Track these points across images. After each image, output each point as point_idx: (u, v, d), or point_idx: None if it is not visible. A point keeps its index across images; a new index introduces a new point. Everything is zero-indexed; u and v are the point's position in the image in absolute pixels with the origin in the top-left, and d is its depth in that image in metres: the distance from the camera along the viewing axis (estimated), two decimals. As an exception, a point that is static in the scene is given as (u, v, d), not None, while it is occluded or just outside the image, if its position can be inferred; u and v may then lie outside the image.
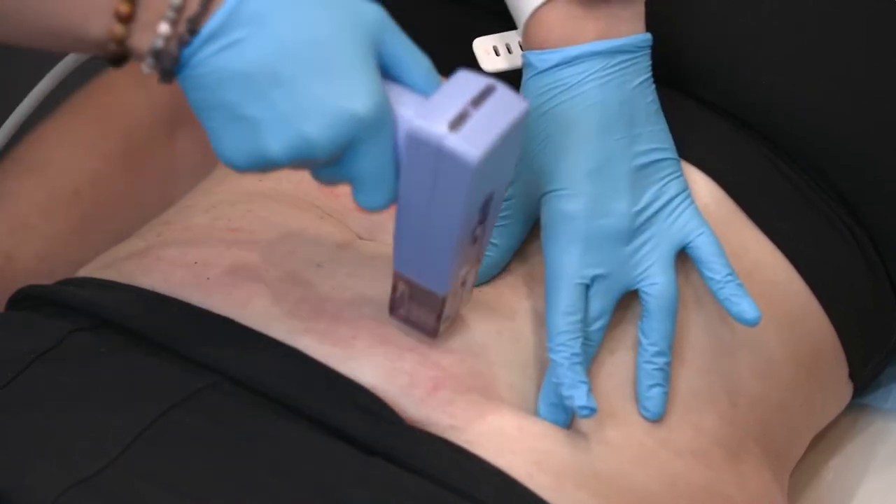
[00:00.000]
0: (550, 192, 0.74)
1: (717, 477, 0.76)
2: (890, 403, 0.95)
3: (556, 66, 0.74)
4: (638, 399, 0.75)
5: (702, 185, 0.80)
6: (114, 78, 1.04)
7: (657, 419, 0.74)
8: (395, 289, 0.73)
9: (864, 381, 0.91)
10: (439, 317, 0.72)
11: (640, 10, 0.76)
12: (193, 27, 0.63)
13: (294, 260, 0.78)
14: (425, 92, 0.66)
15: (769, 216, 0.81)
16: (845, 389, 0.89)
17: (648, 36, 0.76)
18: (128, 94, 1.00)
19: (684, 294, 0.77)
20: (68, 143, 0.98)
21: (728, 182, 0.81)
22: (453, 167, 0.63)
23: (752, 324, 0.74)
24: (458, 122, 0.63)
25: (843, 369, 0.87)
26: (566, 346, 0.72)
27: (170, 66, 0.64)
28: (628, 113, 0.75)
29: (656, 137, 0.76)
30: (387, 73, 0.66)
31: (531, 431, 0.72)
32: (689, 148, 0.80)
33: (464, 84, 0.65)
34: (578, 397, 0.70)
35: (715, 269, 0.75)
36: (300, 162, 0.65)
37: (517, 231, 0.78)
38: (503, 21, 0.80)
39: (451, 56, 0.84)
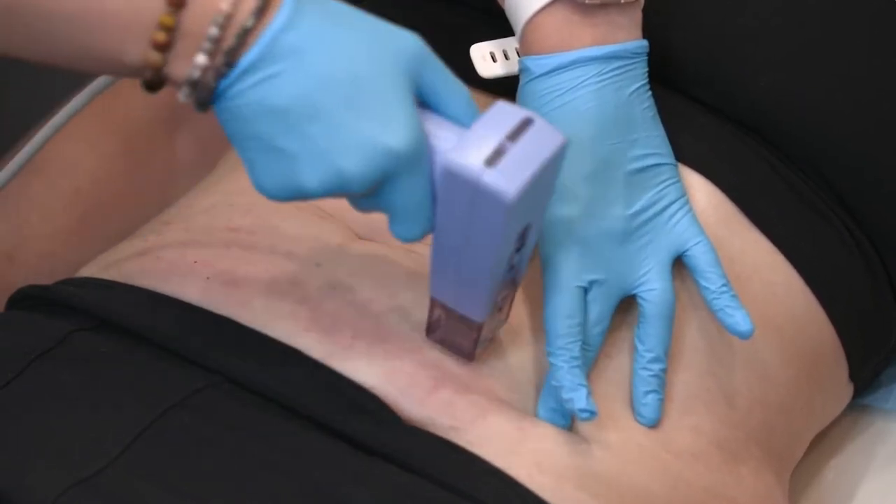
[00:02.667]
0: None
1: (719, 479, 0.76)
2: (890, 404, 0.95)
3: (553, 70, 0.74)
4: (634, 405, 0.75)
5: (700, 188, 0.80)
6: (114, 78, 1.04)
7: (653, 425, 0.74)
8: (431, 313, 0.72)
9: (864, 381, 0.91)
10: (476, 340, 0.72)
11: (637, 17, 0.76)
12: (230, 60, 0.62)
13: (293, 260, 0.78)
14: (463, 123, 0.65)
15: (768, 218, 0.81)
16: (845, 391, 0.89)
17: (645, 42, 0.76)
18: (128, 93, 1.00)
19: (682, 297, 0.77)
20: (69, 143, 0.98)
21: (726, 184, 0.81)
22: (490, 203, 0.62)
23: (744, 336, 0.74)
24: (494, 158, 0.62)
25: (843, 370, 0.87)
26: (566, 350, 0.72)
27: (206, 96, 0.63)
28: (624, 118, 0.75)
29: (652, 143, 0.76)
30: (424, 102, 0.66)
31: (531, 432, 0.72)
32: (688, 150, 0.80)
33: (501, 116, 0.63)
34: (578, 400, 0.70)
35: (710, 279, 0.75)
36: (336, 194, 0.64)
37: None
38: (502, 23, 0.79)
39: (450, 58, 0.84)
